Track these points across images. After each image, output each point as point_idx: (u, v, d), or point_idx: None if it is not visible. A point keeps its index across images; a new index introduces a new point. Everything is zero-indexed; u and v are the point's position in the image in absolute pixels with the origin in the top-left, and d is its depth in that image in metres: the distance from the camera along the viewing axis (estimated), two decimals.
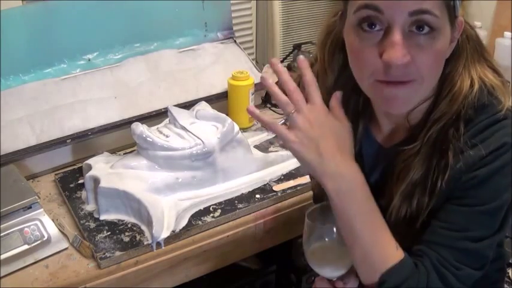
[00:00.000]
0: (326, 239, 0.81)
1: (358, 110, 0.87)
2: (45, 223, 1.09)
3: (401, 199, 0.79)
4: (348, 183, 0.75)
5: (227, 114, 1.34)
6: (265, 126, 0.78)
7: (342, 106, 0.79)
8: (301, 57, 0.76)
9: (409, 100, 0.75)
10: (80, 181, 1.28)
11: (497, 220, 0.76)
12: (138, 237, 1.09)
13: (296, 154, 0.76)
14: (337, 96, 0.79)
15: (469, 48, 0.79)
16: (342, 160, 0.75)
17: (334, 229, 0.80)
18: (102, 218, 1.15)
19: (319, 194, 0.94)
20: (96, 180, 1.17)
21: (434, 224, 0.78)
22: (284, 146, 0.77)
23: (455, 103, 0.76)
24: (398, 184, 0.79)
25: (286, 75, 0.76)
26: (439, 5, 0.68)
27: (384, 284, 0.76)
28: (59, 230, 1.11)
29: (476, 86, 0.76)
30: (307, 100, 0.76)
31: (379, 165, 0.88)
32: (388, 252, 0.76)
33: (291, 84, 0.76)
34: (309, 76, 0.76)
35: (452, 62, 0.78)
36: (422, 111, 0.80)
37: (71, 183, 1.29)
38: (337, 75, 0.84)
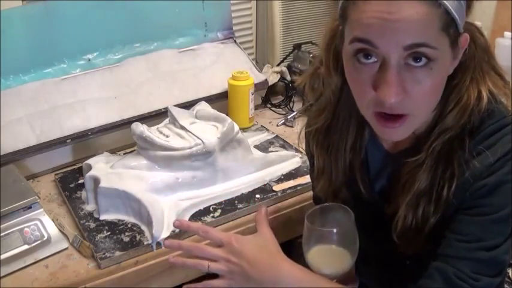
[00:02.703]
0: (325, 241, 0.81)
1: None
2: (45, 223, 1.09)
3: (407, 209, 0.78)
4: (287, 278, 0.78)
5: (227, 114, 1.34)
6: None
7: (266, 220, 0.86)
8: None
9: (406, 131, 0.75)
10: (80, 181, 1.28)
11: (510, 225, 0.74)
12: (138, 237, 1.09)
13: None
14: (262, 212, 0.86)
15: (477, 58, 0.76)
16: (270, 270, 0.79)
17: (334, 231, 0.79)
18: (102, 218, 1.15)
19: (320, 195, 0.94)
20: (96, 180, 1.17)
21: (448, 236, 0.77)
22: None
23: (462, 117, 0.75)
24: (404, 194, 0.79)
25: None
26: (436, 35, 0.66)
27: None
28: (59, 230, 1.11)
29: (484, 100, 0.74)
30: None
31: (385, 171, 0.87)
32: None
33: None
34: (196, 227, 0.87)
35: (459, 74, 0.76)
36: (428, 123, 0.79)
37: (71, 183, 1.29)
38: (343, 80, 0.81)
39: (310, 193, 1.10)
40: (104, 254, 1.04)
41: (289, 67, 1.74)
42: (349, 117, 0.85)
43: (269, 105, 1.70)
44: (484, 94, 0.74)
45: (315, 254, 0.82)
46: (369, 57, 0.68)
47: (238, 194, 1.22)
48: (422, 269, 0.77)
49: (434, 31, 0.66)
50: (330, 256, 0.81)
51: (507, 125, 0.75)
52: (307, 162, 1.16)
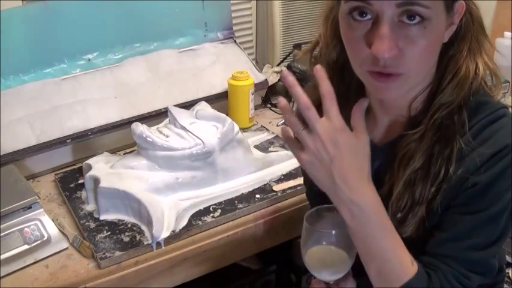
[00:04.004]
0: (324, 243, 0.81)
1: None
2: (45, 223, 1.09)
3: (404, 187, 0.77)
4: (362, 210, 0.72)
5: (227, 114, 1.34)
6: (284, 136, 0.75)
7: (363, 119, 0.74)
8: (318, 66, 0.70)
9: (400, 90, 0.74)
10: (80, 181, 1.28)
11: (500, 225, 0.75)
12: (138, 237, 1.09)
13: (310, 175, 0.74)
14: (361, 107, 0.74)
15: (474, 30, 0.76)
16: (356, 184, 0.71)
17: (333, 232, 0.79)
18: (102, 218, 1.15)
19: (311, 191, 0.92)
20: (96, 180, 1.17)
21: (437, 236, 0.77)
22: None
23: (461, 89, 0.74)
24: (401, 172, 0.78)
25: (298, 89, 0.70)
26: None
27: None
28: (59, 230, 1.11)
29: (481, 72, 0.74)
30: (322, 114, 0.71)
31: (371, 164, 0.84)
32: (404, 268, 0.75)
33: (303, 100, 0.70)
34: (326, 87, 0.70)
35: (456, 44, 0.76)
36: (422, 100, 0.79)
37: (71, 183, 1.29)
38: (340, 51, 0.81)
39: None
40: (104, 254, 1.04)
41: (289, 67, 1.74)
42: (345, 92, 0.83)
43: (269, 105, 1.70)
44: (481, 66, 0.75)
45: (314, 255, 0.81)
46: (364, 15, 0.69)
47: (238, 194, 1.22)
48: None
49: None
50: (329, 257, 0.81)
51: (500, 118, 0.75)
52: None
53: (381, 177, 0.82)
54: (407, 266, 0.75)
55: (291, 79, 0.70)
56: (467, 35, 0.76)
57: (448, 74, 0.76)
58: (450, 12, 0.71)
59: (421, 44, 0.68)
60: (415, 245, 0.79)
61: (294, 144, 0.73)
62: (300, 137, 0.71)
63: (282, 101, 0.72)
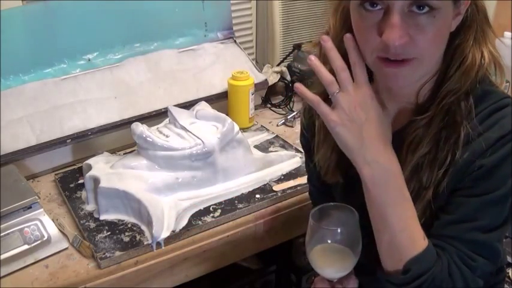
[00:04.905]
0: (329, 240, 0.81)
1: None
2: (45, 223, 1.09)
3: (412, 173, 0.78)
4: (384, 172, 0.75)
5: (227, 114, 1.34)
6: (309, 102, 0.76)
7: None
8: (348, 35, 0.74)
9: (410, 77, 0.75)
10: (80, 181, 1.28)
11: (505, 208, 0.76)
12: (138, 237, 1.09)
13: (337, 136, 0.75)
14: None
15: (479, 20, 0.78)
16: (382, 148, 0.75)
17: (338, 230, 0.79)
18: (102, 218, 1.15)
19: (319, 166, 0.92)
20: (96, 180, 1.17)
21: (442, 218, 0.79)
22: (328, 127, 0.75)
23: (468, 76, 0.76)
24: (409, 156, 0.79)
25: (334, 53, 0.74)
26: None
27: (408, 272, 0.76)
28: (59, 230, 1.11)
29: (486, 61, 0.76)
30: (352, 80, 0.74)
31: None
32: (415, 240, 0.76)
33: (339, 63, 0.74)
34: (355, 55, 0.74)
35: (462, 34, 0.77)
36: (430, 88, 0.80)
37: (71, 183, 1.29)
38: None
39: None
40: (104, 254, 1.04)
41: (289, 67, 1.74)
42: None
43: (269, 105, 1.70)
44: (486, 55, 0.76)
45: (318, 252, 0.82)
46: (375, 5, 0.70)
47: (238, 194, 1.22)
48: None
49: None
50: (333, 255, 0.81)
51: (505, 106, 0.76)
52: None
53: None
54: (419, 239, 0.76)
55: (329, 43, 0.74)
56: (473, 24, 0.77)
57: (455, 62, 0.77)
58: (457, 2, 0.73)
59: (430, 32, 0.70)
60: (422, 229, 0.79)
61: (324, 105, 0.74)
62: (335, 97, 0.74)
63: (313, 58, 0.75)
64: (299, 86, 0.75)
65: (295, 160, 1.35)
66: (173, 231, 1.10)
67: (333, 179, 0.91)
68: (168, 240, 1.09)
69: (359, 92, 0.74)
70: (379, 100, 0.79)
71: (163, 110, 1.43)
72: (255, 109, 1.58)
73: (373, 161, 0.74)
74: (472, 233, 0.76)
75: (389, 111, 0.84)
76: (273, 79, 1.69)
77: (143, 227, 1.12)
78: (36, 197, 1.10)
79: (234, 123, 1.26)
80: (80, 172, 1.30)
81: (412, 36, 0.70)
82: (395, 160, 0.76)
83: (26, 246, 1.05)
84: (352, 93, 0.74)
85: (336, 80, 0.74)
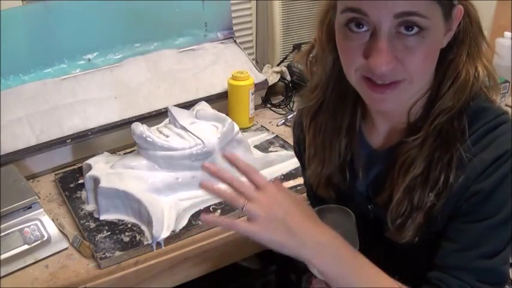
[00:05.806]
0: None
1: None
2: (45, 223, 1.09)
3: (404, 193, 0.76)
4: (329, 248, 0.72)
5: (227, 114, 1.34)
6: (224, 228, 0.76)
7: None
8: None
9: (398, 99, 0.72)
10: (80, 181, 1.28)
11: (507, 231, 0.73)
12: (138, 237, 1.09)
13: (270, 243, 0.72)
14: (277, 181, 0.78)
15: (472, 33, 0.74)
16: (314, 228, 0.72)
17: (336, 232, 0.79)
18: (102, 218, 1.15)
19: (310, 181, 0.91)
20: (96, 180, 1.17)
21: (445, 247, 0.75)
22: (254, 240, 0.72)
23: (462, 94, 0.73)
24: (401, 178, 0.76)
25: (222, 173, 0.76)
26: (427, 4, 0.65)
27: None
28: (59, 230, 1.11)
29: (481, 76, 0.73)
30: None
31: (371, 169, 0.84)
32: None
33: (228, 176, 0.76)
34: (243, 164, 0.77)
35: (455, 48, 0.74)
36: (422, 106, 0.77)
37: (71, 183, 1.29)
38: (336, 56, 0.79)
39: None
40: (104, 254, 1.04)
41: (289, 67, 1.74)
42: (343, 97, 0.82)
43: (269, 105, 1.70)
44: (480, 70, 0.74)
45: None
46: (361, 26, 0.67)
47: None
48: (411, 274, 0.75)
49: (425, 0, 0.65)
50: None
51: (501, 124, 0.73)
52: None
53: (380, 183, 0.81)
54: None
55: (213, 169, 0.77)
56: (466, 38, 0.74)
57: (448, 79, 0.74)
58: (449, 19, 0.70)
59: (419, 53, 0.67)
60: (414, 251, 0.78)
61: (241, 222, 0.73)
62: (247, 209, 0.72)
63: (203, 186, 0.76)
64: (208, 217, 0.74)
65: (295, 160, 1.34)
66: (173, 231, 1.10)
67: (324, 194, 0.89)
68: (168, 240, 1.09)
69: (266, 194, 0.73)
70: (370, 118, 0.78)
71: (163, 110, 1.43)
72: (255, 109, 1.58)
73: (312, 243, 0.71)
74: (477, 261, 0.73)
75: (379, 130, 0.82)
76: (273, 79, 1.69)
77: (143, 227, 1.12)
78: (36, 197, 1.10)
79: (234, 123, 1.26)
80: (80, 172, 1.30)
81: (401, 59, 0.67)
82: (330, 230, 0.74)
83: (26, 246, 1.05)
84: (261, 198, 0.72)
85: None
